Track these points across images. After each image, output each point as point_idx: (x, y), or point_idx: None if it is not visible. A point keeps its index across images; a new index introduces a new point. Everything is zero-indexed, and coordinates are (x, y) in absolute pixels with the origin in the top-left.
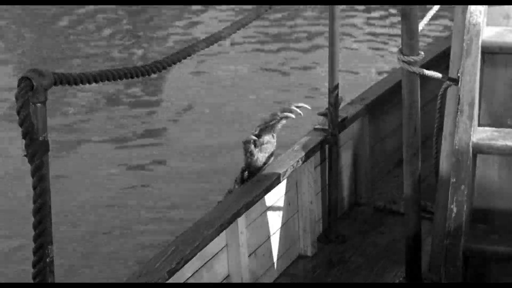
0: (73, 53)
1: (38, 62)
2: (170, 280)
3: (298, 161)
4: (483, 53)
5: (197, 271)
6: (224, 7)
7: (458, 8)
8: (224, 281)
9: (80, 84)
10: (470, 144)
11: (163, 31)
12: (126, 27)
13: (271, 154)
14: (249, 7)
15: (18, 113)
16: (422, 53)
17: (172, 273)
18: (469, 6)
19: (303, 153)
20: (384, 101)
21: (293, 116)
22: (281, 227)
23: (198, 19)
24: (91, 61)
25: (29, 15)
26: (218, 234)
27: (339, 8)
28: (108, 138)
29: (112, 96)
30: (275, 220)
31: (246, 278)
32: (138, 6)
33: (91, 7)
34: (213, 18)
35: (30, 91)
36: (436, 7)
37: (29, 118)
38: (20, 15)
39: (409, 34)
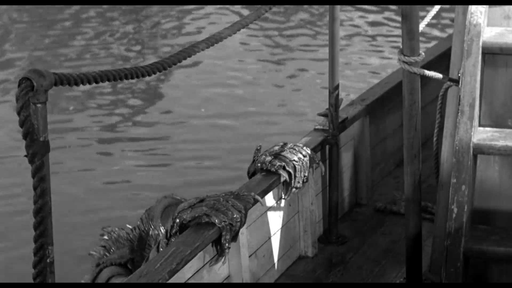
0: (72, 54)
1: (37, 62)
2: (171, 281)
3: None
4: (483, 53)
5: (197, 271)
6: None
7: (459, 8)
8: (225, 282)
9: (81, 85)
10: (471, 144)
11: (164, 32)
12: (127, 27)
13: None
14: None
15: (19, 113)
16: (423, 53)
17: (172, 273)
18: (469, 6)
19: None
20: (385, 102)
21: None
22: (281, 228)
23: (200, 19)
24: (91, 61)
25: (28, 14)
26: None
27: (339, 8)
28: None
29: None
30: (275, 221)
31: (247, 279)
32: (138, 6)
33: (91, 7)
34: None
35: (31, 91)
36: (436, 7)
37: (30, 118)
38: (19, 14)
39: (410, 34)
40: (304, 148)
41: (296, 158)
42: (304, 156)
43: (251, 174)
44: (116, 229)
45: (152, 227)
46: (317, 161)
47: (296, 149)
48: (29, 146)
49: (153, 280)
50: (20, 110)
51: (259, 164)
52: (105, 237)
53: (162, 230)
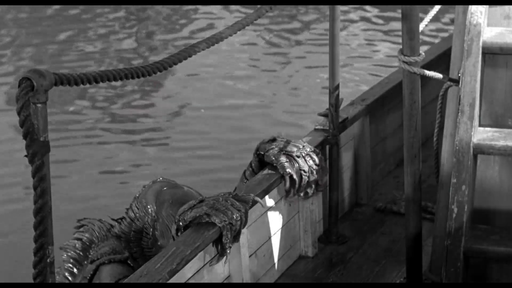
0: (73, 54)
1: (37, 62)
2: (171, 281)
3: None
4: (483, 53)
5: (197, 271)
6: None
7: (459, 8)
8: (225, 282)
9: (81, 85)
10: (471, 144)
11: (165, 32)
12: (127, 27)
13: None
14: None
15: (19, 113)
16: (423, 53)
17: (173, 273)
18: (469, 6)
19: None
20: (385, 102)
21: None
22: (281, 228)
23: (201, 19)
24: (91, 61)
25: (28, 14)
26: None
27: (339, 8)
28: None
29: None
30: (275, 221)
31: (247, 279)
32: (138, 6)
33: (91, 7)
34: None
35: (31, 91)
36: (436, 7)
37: (30, 118)
38: (19, 14)
39: (410, 34)
40: (320, 156)
41: (306, 168)
42: (317, 166)
43: (257, 151)
44: (97, 221)
45: (148, 213)
46: (327, 172)
47: (313, 157)
48: (29, 146)
49: (153, 280)
50: (20, 110)
51: (273, 158)
52: (81, 229)
53: (159, 215)
